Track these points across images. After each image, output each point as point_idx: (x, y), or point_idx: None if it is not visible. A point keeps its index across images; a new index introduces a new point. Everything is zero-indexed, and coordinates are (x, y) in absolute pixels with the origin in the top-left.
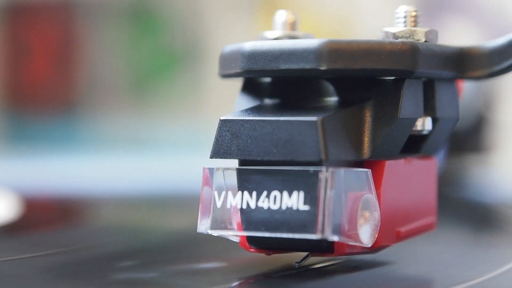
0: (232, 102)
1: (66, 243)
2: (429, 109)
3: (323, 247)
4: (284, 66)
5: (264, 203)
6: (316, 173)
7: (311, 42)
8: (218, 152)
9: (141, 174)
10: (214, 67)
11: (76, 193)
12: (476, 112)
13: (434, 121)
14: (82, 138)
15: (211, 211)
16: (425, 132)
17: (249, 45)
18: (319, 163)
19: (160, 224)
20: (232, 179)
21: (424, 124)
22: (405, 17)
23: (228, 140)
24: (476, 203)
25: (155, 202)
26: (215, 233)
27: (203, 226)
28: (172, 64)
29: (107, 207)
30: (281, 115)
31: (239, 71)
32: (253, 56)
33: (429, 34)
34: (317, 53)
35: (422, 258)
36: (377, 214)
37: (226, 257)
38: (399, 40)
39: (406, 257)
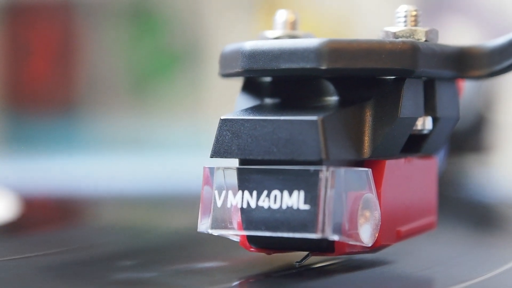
0: (232, 102)
1: (66, 243)
2: (429, 108)
3: (324, 247)
4: (284, 65)
5: (264, 202)
6: (316, 173)
7: (311, 42)
8: (219, 151)
9: (141, 174)
10: (214, 67)
11: (76, 193)
12: (476, 112)
13: (435, 120)
14: (82, 138)
15: (212, 210)
16: (425, 132)
17: (250, 45)
18: (319, 162)
19: (160, 224)
20: (233, 178)
21: (425, 123)
22: (405, 16)
23: (228, 139)
24: (476, 203)
25: (155, 202)
26: (216, 232)
27: (204, 225)
28: (172, 64)
29: (107, 207)
30: (282, 115)
31: (240, 70)
32: (254, 55)
33: (429, 33)
34: (318, 53)
35: (423, 258)
36: (377, 214)
37: (226, 257)
38: (400, 39)
39: (407, 257)
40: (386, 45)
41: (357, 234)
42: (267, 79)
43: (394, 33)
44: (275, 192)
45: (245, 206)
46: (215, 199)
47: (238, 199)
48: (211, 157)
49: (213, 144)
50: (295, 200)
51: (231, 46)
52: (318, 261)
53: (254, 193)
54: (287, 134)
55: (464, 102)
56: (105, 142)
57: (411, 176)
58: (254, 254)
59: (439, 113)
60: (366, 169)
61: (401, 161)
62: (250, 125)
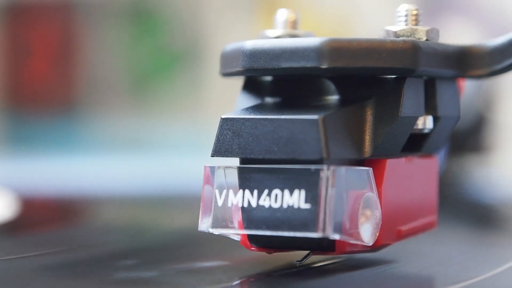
0: (233, 102)
1: (66, 243)
2: (430, 107)
3: (324, 246)
4: (285, 64)
5: (265, 201)
6: (317, 172)
7: (312, 41)
8: (219, 150)
9: (141, 174)
10: (214, 67)
11: (76, 193)
12: (476, 112)
13: (435, 119)
14: (82, 138)
15: (212, 209)
16: (426, 131)
17: (250, 44)
18: (320, 161)
19: (160, 223)
20: (233, 177)
21: (425, 122)
22: (406, 15)
23: (229, 138)
24: (476, 202)
25: (156, 201)
26: (216, 231)
27: (204, 224)
28: (172, 64)
29: (107, 207)
30: (282, 114)
31: (240, 69)
32: (254, 54)
33: (430, 32)
34: (318, 52)
35: (423, 257)
36: (378, 213)
37: (227, 256)
38: (400, 38)
39: (407, 256)
40: (387, 44)
41: (358, 233)
42: (268, 78)
43: (395, 32)
44: (276, 191)
45: (246, 205)
46: (215, 198)
47: (239, 198)
48: (212, 156)
49: (214, 143)
50: (296, 199)
51: (232, 45)
52: (319, 260)
53: (255, 192)
54: (288, 133)
55: (464, 102)
56: (105, 142)
57: (411, 175)
58: (254, 253)
59: (440, 112)
60: (367, 168)
61: (402, 160)
62: (251, 124)
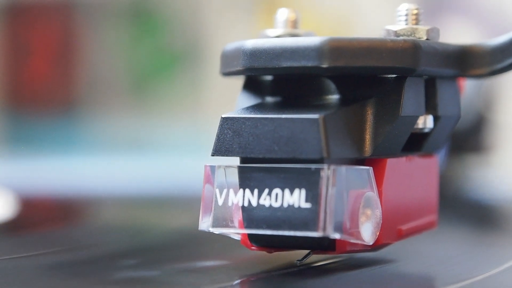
0: (233, 102)
1: (67, 242)
2: (430, 107)
3: (325, 245)
4: (285, 64)
5: (265, 200)
6: (317, 171)
7: (312, 40)
8: (220, 149)
9: (141, 173)
10: (214, 67)
11: (77, 192)
12: (476, 112)
13: (436, 119)
14: (82, 138)
15: (213, 209)
16: (426, 130)
17: (251, 43)
18: (320, 160)
19: (161, 223)
20: (234, 176)
21: (426, 122)
22: (406, 15)
23: (229, 137)
24: (476, 202)
25: (156, 201)
26: (217, 231)
27: (205, 224)
28: (172, 64)
29: (108, 207)
30: (283, 113)
31: (241, 69)
32: (255, 54)
33: (430, 32)
34: (319, 51)
35: (423, 256)
36: (378, 212)
37: (227, 255)
38: (401, 38)
39: (407, 256)
40: (387, 44)
41: (358, 232)
42: (268, 77)
43: (395, 31)
44: (277, 190)
45: (246, 204)
46: (216, 197)
47: (239, 198)
48: (212, 155)
49: (214, 142)
50: (297, 198)
51: (232, 44)
52: (319, 259)
53: (255, 191)
54: (288, 132)
55: (465, 102)
56: (105, 142)
57: (412, 174)
58: (255, 252)
59: (440, 112)
60: (367, 167)
61: (402, 159)
62: (251, 123)
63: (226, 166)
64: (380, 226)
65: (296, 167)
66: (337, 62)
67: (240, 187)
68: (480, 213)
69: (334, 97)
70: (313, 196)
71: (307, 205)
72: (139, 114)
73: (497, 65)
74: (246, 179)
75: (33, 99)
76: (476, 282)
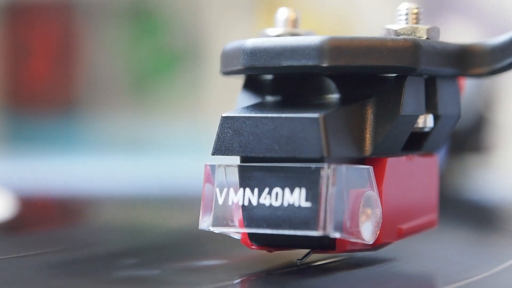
0: (233, 102)
1: (67, 242)
2: (430, 106)
3: (325, 244)
4: (286, 63)
5: (266, 200)
6: (318, 170)
7: (312, 39)
8: (220, 149)
9: (141, 173)
10: (214, 66)
11: (77, 192)
12: (476, 112)
13: (436, 118)
14: (82, 138)
15: (213, 208)
16: (426, 130)
17: (251, 42)
18: (321, 160)
19: (161, 223)
20: (234, 176)
21: (426, 121)
22: (406, 14)
23: (230, 137)
24: (476, 202)
25: (156, 201)
26: (217, 230)
27: (205, 223)
28: (172, 64)
29: (108, 207)
30: (283, 112)
31: (241, 68)
32: (255, 53)
33: (431, 31)
34: (319, 50)
35: (424, 256)
36: (378, 211)
37: (227, 255)
38: (401, 37)
39: (407, 255)
40: (388, 43)
41: (359, 231)
42: (269, 76)
43: (396, 30)
44: (277, 189)
45: (246, 203)
46: (216, 196)
47: (240, 197)
48: (213, 154)
49: (215, 141)
50: (297, 197)
51: (233, 43)
52: (319, 258)
53: (256, 190)
54: (288, 131)
55: (464, 102)
56: (105, 142)
57: (412, 174)
58: (255, 251)
59: (441, 111)
60: (368, 166)
61: (403, 159)
62: (251, 122)
63: (226, 165)
64: (380, 225)
65: (296, 166)
66: (337, 61)
67: (240, 186)
68: (480, 213)
69: (334, 96)
70: (313, 195)
71: (307, 204)
72: (139, 114)
73: (497, 64)
74: (246, 178)
75: (33, 99)
76: (475, 281)
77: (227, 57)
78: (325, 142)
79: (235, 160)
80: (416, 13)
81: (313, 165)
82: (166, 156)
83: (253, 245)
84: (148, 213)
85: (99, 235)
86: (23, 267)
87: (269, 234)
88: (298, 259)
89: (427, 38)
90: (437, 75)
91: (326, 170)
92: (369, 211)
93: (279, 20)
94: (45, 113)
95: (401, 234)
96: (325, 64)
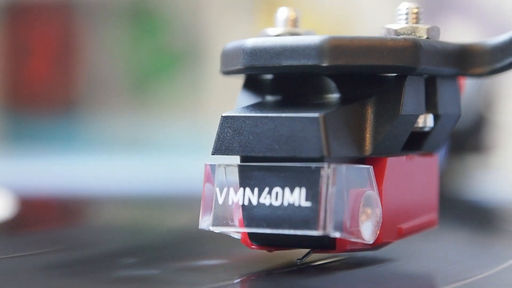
0: (233, 102)
1: (67, 241)
2: (431, 106)
3: (325, 244)
4: (286, 62)
5: (266, 199)
6: (318, 170)
7: (313, 39)
8: (220, 148)
9: (141, 173)
10: (214, 66)
11: (77, 192)
12: (476, 112)
13: (436, 118)
14: (82, 138)
15: (213, 207)
16: (426, 129)
17: (251, 42)
18: (321, 159)
19: (161, 222)
20: (234, 175)
21: (426, 121)
22: (407, 14)
23: (230, 136)
24: (476, 202)
25: (156, 201)
26: (217, 229)
27: (205, 222)
28: (172, 64)
29: (108, 206)
30: (283, 112)
31: (241, 67)
32: (255, 52)
33: (431, 31)
34: (319, 50)
35: (424, 256)
36: (378, 211)
37: (227, 254)
38: (401, 36)
39: (407, 255)
40: (388, 42)
41: (359, 231)
42: (269, 76)
43: (396, 30)
44: (277, 189)
45: (246, 203)
46: (216, 196)
47: (240, 196)
48: (213, 154)
49: (215, 141)
50: (297, 197)
51: (233, 43)
52: (319, 258)
53: (256, 190)
54: (288, 131)
55: (465, 102)
56: (105, 142)
57: (412, 173)
58: (255, 251)
59: (441, 111)
60: (368, 166)
61: (403, 158)
62: (251, 122)
63: (226, 165)
64: (380, 225)
65: (296, 166)
66: (337, 61)
67: (240, 186)
68: (480, 213)
69: (334, 96)
70: (313, 194)
71: (307, 204)
72: (139, 114)
73: (497, 64)
74: (246, 178)
75: (33, 99)
76: (475, 281)
77: (227, 57)
78: (325, 141)
79: (235, 159)
80: (416, 13)
81: (313, 165)
82: (166, 156)
83: (253, 245)
84: (148, 213)
85: (99, 235)
86: (23, 267)
87: (269, 234)
88: (298, 259)
89: (427, 38)
90: (437, 75)
91: (326, 170)
92: (369, 210)
93: (279, 20)
94: (45, 113)
95: (401, 234)
96: (325, 64)
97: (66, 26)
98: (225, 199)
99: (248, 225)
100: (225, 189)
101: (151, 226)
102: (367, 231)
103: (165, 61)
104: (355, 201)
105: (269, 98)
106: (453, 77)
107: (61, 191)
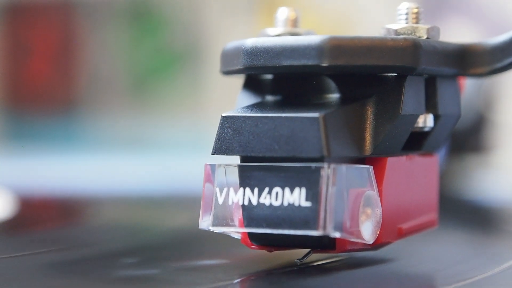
0: (233, 102)
1: (67, 241)
2: (431, 106)
3: (325, 244)
4: (286, 62)
5: (266, 199)
6: (318, 170)
7: (313, 39)
8: (220, 148)
9: (142, 173)
10: (214, 66)
11: (77, 192)
12: (476, 112)
13: (436, 118)
14: (82, 138)
15: (213, 207)
16: (426, 129)
17: (251, 42)
18: (321, 159)
19: (161, 222)
20: (234, 175)
21: (426, 121)
22: (407, 13)
23: (230, 136)
24: (476, 203)
25: (156, 200)
26: (217, 229)
27: (205, 222)
28: (172, 63)
29: (108, 206)
30: (283, 112)
31: (241, 67)
32: (255, 52)
33: (431, 30)
34: (319, 50)
35: (424, 256)
36: (378, 211)
37: (227, 254)
38: (401, 36)
39: (408, 255)
40: (388, 42)
41: (359, 231)
42: (269, 76)
43: (396, 30)
44: (277, 189)
45: (246, 203)
46: (216, 196)
47: (240, 196)
48: (213, 154)
49: (215, 141)
50: (297, 197)
51: (233, 43)
52: (319, 258)
53: (256, 190)
54: (288, 131)
55: (465, 102)
56: (105, 142)
57: (412, 173)
58: (255, 251)
59: (441, 111)
60: (368, 166)
61: (403, 158)
62: (251, 122)
63: (226, 165)
64: (380, 225)
65: (296, 166)
66: (337, 61)
67: (240, 186)
68: (480, 213)
69: (334, 96)
70: (313, 194)
71: (307, 204)
72: (140, 113)
73: (497, 64)
74: (246, 178)
75: (33, 99)
76: (475, 282)
77: (227, 57)
78: (325, 141)
79: (235, 159)
80: (416, 13)
81: (313, 165)
82: (166, 156)
83: (253, 245)
84: (148, 212)
85: (99, 234)
86: (23, 267)
87: (269, 234)
88: (298, 259)
89: (427, 38)
90: (437, 75)
91: (326, 170)
92: (369, 210)
93: (279, 20)
94: (45, 112)
95: (401, 234)
96: (325, 64)
97: (66, 26)
98: (225, 199)
99: (248, 225)
100: (225, 189)
101: (151, 226)
102: (367, 231)
103: (165, 61)
104: (355, 201)
105: (269, 98)
106: (453, 77)
107: (61, 191)
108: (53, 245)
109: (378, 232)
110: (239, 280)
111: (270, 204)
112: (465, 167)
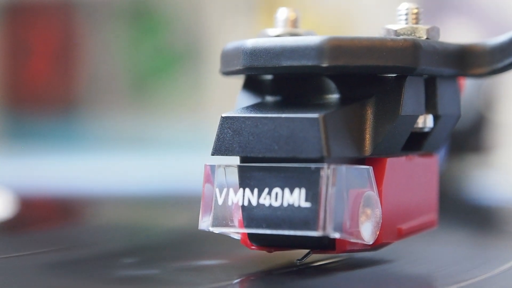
0: (233, 102)
1: (67, 241)
2: (430, 106)
3: (325, 244)
4: (285, 63)
5: (265, 200)
6: (317, 170)
7: (312, 39)
8: (220, 149)
9: (142, 173)
10: (215, 66)
11: (77, 192)
12: (476, 112)
13: (436, 118)
14: (82, 138)
15: (213, 208)
16: (426, 130)
17: (251, 42)
18: (320, 160)
19: (161, 222)
20: (234, 176)
21: (426, 121)
22: (406, 14)
23: (229, 137)
24: (476, 203)
25: (156, 200)
26: (217, 230)
27: (205, 223)
28: (173, 63)
29: (108, 206)
30: (283, 112)
31: (241, 68)
32: (255, 53)
33: (431, 31)
34: (319, 50)
35: (423, 257)
36: (378, 211)
37: (227, 255)
38: (401, 37)
39: (407, 256)
40: (388, 43)
41: (358, 232)
42: (268, 76)
43: (396, 30)
44: (276, 189)
45: (246, 203)
46: (216, 196)
47: (239, 197)
48: (212, 154)
49: (214, 141)
50: (296, 197)
51: (232, 43)
52: (319, 259)
53: (255, 190)
54: (288, 131)
55: (465, 102)
56: (105, 142)
57: (412, 174)
58: (255, 252)
59: (440, 111)
60: (368, 167)
61: (402, 159)
62: (251, 122)
63: (226, 166)
64: (380, 225)
65: (296, 166)
66: (337, 61)
67: (240, 187)
68: (480, 213)
69: (334, 96)
70: (313, 195)
71: (307, 205)
72: (140, 113)
73: (497, 64)
74: (246, 179)
75: (33, 99)
76: (476, 282)
77: (227, 57)
78: (325, 142)
79: (235, 160)
80: (416, 13)
81: (313, 165)
82: (166, 156)
83: (253, 245)
84: (148, 212)
85: (99, 234)
86: (23, 267)
87: (269, 234)
88: (298, 259)
89: (427, 38)
90: (437, 75)
91: (326, 170)
92: (369, 211)
93: (279, 20)
94: (45, 112)
95: (401, 234)
96: (325, 64)
97: (66, 26)
98: (224, 199)
99: (247, 225)
100: (224, 190)
101: (151, 226)
102: (367, 232)
103: (166, 61)
104: (355, 202)
105: (269, 98)
106: (453, 77)
107: (61, 191)
108: (53, 245)
109: (377, 233)
110: (238, 280)
111: (270, 205)
112: (465, 167)
